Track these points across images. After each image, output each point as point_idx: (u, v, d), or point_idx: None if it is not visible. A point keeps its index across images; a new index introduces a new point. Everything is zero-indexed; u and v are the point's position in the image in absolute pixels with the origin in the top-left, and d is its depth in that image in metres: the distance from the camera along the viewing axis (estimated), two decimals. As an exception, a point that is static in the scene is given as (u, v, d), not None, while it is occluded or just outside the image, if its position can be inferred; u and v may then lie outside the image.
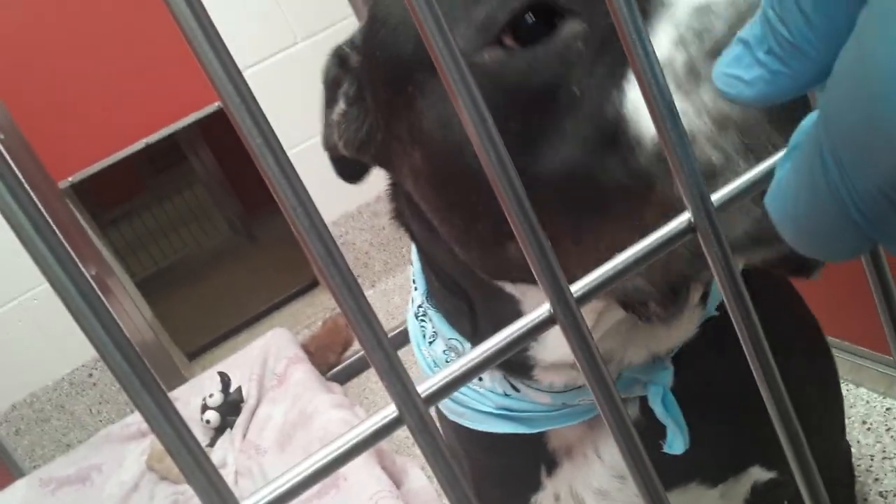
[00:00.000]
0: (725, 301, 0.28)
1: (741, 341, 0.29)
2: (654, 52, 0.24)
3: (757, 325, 0.29)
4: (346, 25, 2.29)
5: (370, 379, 1.97)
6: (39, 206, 0.18)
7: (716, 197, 0.28)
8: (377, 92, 0.53)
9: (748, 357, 0.29)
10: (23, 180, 0.18)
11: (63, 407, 2.20)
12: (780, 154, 0.23)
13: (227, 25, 2.18)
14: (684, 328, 0.56)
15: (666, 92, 0.25)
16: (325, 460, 0.22)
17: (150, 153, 2.27)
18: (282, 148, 0.20)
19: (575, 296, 0.26)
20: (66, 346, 2.12)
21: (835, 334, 1.26)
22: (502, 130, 0.22)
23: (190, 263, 3.70)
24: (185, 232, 3.86)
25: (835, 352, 1.27)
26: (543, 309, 0.25)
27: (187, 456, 0.20)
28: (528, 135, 0.43)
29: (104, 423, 2.20)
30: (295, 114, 2.07)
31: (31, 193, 0.18)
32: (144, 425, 1.82)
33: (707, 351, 0.58)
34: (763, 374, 0.29)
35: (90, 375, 2.21)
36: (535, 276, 0.25)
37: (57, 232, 0.18)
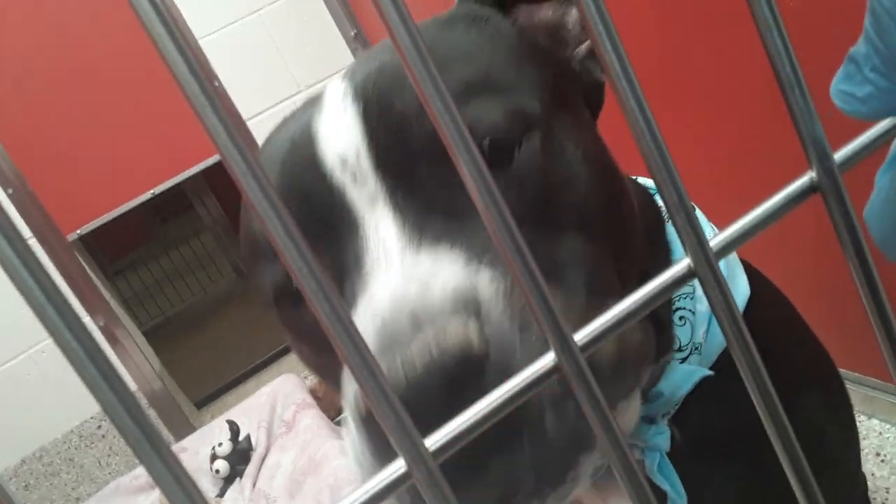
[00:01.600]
0: (730, 346, 0.28)
1: (748, 389, 0.28)
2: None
3: (763, 371, 0.28)
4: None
5: (379, 423, 1.95)
6: (42, 263, 0.18)
7: (714, 242, 0.28)
8: None
9: (756, 405, 0.28)
10: (24, 235, 0.18)
11: (72, 460, 2.19)
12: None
13: (232, 75, 2.22)
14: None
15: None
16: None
17: (156, 202, 2.29)
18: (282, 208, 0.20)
19: (579, 344, 0.26)
20: (75, 399, 2.12)
21: (845, 366, 1.25)
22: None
23: (197, 311, 3.70)
24: (191, 280, 3.87)
25: (848, 384, 1.27)
26: (548, 359, 0.26)
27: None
28: None
29: (113, 475, 2.19)
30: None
31: (31, 249, 0.18)
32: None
33: (708, 403, 0.58)
34: (771, 420, 0.29)
35: (99, 427, 2.21)
36: (538, 323, 0.25)
37: (60, 290, 0.18)
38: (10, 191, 2.08)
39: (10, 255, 0.18)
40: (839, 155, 0.26)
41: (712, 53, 1.16)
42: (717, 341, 0.58)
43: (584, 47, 0.58)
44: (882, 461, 1.18)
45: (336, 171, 0.45)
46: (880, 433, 1.22)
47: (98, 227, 2.19)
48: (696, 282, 0.59)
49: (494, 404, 0.25)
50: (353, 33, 2.36)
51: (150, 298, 3.72)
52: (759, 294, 0.62)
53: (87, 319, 2.15)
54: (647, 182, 0.66)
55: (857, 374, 1.26)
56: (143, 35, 0.18)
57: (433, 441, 0.24)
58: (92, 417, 2.19)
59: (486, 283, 0.39)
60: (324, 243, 0.46)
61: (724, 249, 0.28)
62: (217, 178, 3.08)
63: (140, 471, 1.88)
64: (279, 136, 0.51)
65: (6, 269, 0.18)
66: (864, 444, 1.21)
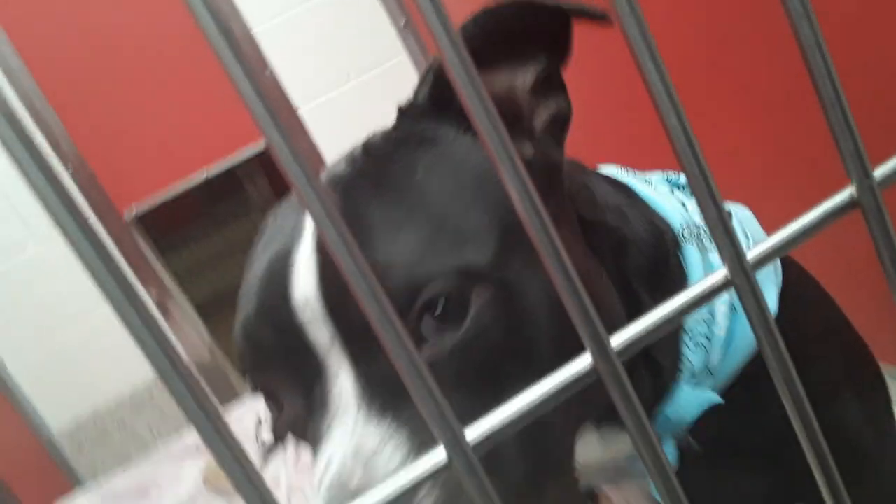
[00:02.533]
0: (765, 358, 0.28)
1: (783, 399, 0.28)
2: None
3: (797, 383, 0.28)
4: (396, 64, 2.34)
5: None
6: (102, 240, 0.19)
7: (752, 254, 0.28)
8: None
9: (791, 416, 0.28)
10: (86, 213, 0.20)
11: (125, 423, 2.27)
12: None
13: (284, 64, 2.25)
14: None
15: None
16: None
17: (209, 182, 2.34)
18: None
19: (616, 350, 0.27)
20: (128, 366, 2.19)
21: (885, 359, 1.23)
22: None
23: (245, 286, 3.75)
24: (241, 257, 3.88)
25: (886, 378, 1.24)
26: (585, 361, 0.27)
27: (241, 475, 0.21)
28: None
29: (162, 438, 2.26)
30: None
31: (93, 226, 0.19)
32: (201, 442, 1.87)
33: (728, 413, 0.57)
34: (804, 431, 0.29)
35: (151, 395, 2.28)
36: (578, 329, 0.26)
37: (119, 266, 0.19)
38: (71, 170, 2.14)
39: (74, 232, 0.19)
40: (879, 172, 0.27)
41: (751, 62, 1.14)
42: (733, 366, 0.57)
43: (541, 122, 0.54)
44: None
45: (301, 312, 0.45)
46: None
47: (153, 206, 2.25)
48: (714, 305, 0.59)
49: (533, 402, 0.26)
50: (402, 22, 2.37)
51: (201, 274, 3.79)
52: (797, 291, 0.60)
53: (141, 293, 2.21)
54: (651, 184, 0.65)
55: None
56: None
57: (474, 434, 0.25)
58: (144, 385, 2.26)
59: (426, 489, 0.40)
60: (294, 375, 0.47)
61: (761, 261, 0.28)
62: (269, 159, 3.12)
63: (188, 437, 1.94)
64: (264, 252, 0.51)
65: (72, 245, 0.19)
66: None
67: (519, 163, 0.22)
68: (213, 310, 3.43)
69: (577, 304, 0.26)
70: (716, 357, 0.57)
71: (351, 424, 0.43)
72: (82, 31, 2.13)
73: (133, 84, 2.18)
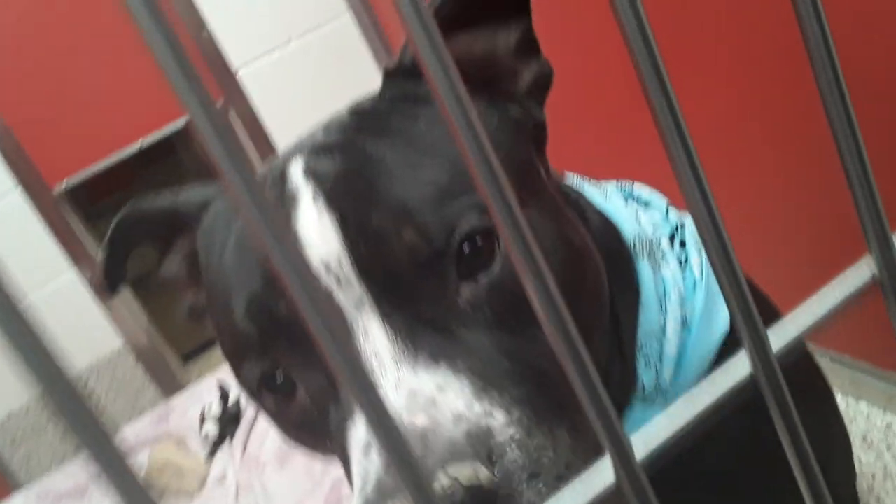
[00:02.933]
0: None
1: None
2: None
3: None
4: (340, 25, 2.27)
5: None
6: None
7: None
8: None
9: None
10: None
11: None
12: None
13: (223, 23, 2.16)
14: None
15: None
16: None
17: (143, 151, 2.26)
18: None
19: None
20: (60, 354, 2.11)
21: (834, 347, 1.26)
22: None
23: (182, 260, 3.66)
24: (176, 229, 3.82)
25: (834, 366, 1.28)
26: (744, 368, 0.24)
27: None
28: None
29: (100, 430, 2.19)
30: (289, 113, 2.06)
31: None
32: (141, 437, 1.82)
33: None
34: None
35: (85, 385, 2.20)
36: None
37: None
38: (-4, 142, 2.03)
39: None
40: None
41: (772, 128, 1.13)
42: (686, 383, 0.57)
43: (524, 82, 0.55)
44: (869, 447, 1.20)
45: (320, 274, 0.44)
46: (868, 417, 1.24)
47: (85, 179, 2.16)
48: (665, 321, 0.58)
49: (693, 419, 0.24)
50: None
51: (134, 247, 3.69)
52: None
53: (74, 271, 2.12)
54: (606, 193, 0.65)
55: (847, 356, 1.27)
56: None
57: (644, 451, 0.23)
58: (78, 374, 2.19)
59: (500, 426, 0.39)
60: (312, 349, 0.45)
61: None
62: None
63: (127, 430, 1.89)
64: (242, 228, 0.50)
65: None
66: (851, 427, 1.22)
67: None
68: (150, 286, 3.33)
69: (740, 306, 0.23)
70: (667, 375, 0.56)
71: (393, 380, 0.41)
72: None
73: (64, 55, 2.07)
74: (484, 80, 0.54)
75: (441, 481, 0.35)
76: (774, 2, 0.97)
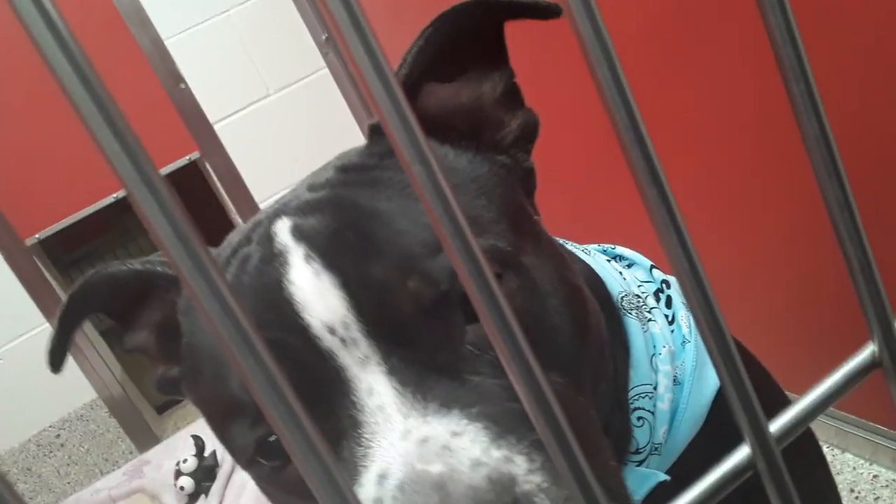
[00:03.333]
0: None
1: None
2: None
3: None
4: (317, 79, 2.29)
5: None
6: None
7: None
8: None
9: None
10: None
11: (30, 470, 2.13)
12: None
13: (200, 76, 2.17)
14: None
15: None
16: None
17: (118, 201, 2.23)
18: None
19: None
20: (33, 407, 2.06)
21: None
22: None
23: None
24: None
25: (820, 418, 1.27)
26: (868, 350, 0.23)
27: None
28: None
29: (72, 485, 2.13)
30: (266, 165, 2.05)
31: None
32: (115, 491, 1.76)
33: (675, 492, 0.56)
34: None
35: (58, 436, 2.14)
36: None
37: None
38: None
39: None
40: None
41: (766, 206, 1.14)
42: (681, 440, 0.56)
43: (510, 132, 0.55)
44: (856, 498, 1.19)
45: (324, 338, 0.42)
46: (854, 468, 1.23)
47: (58, 230, 2.13)
48: (656, 377, 0.58)
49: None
50: (324, 37, 2.31)
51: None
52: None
53: (45, 324, 2.08)
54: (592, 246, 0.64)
55: (832, 408, 1.27)
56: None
57: (778, 425, 0.23)
58: (50, 426, 2.13)
59: (522, 473, 0.37)
60: (312, 407, 0.43)
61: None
62: (177, 176, 3.04)
63: (100, 484, 1.83)
64: (242, 291, 0.47)
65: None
66: (838, 479, 1.22)
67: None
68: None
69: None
70: (661, 433, 0.55)
71: (401, 431, 0.39)
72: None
73: (36, 110, 2.05)
74: (471, 129, 0.54)
75: None
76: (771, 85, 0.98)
